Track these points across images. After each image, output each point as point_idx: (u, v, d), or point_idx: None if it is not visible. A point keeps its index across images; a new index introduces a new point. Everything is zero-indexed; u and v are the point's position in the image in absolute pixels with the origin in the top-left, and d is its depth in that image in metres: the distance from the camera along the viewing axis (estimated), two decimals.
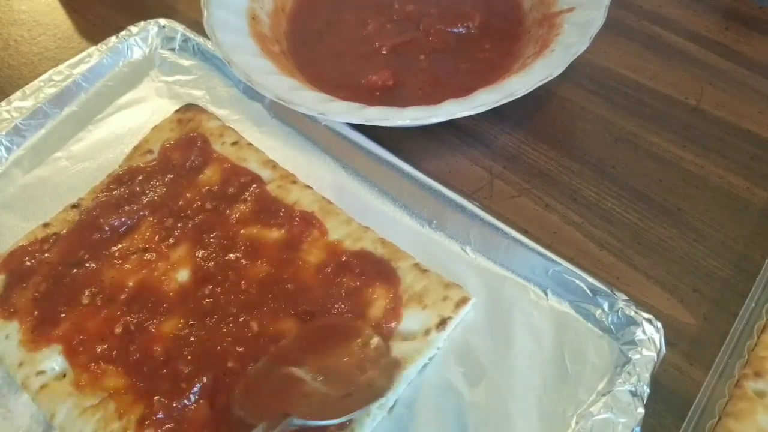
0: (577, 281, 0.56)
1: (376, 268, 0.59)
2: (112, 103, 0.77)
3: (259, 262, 0.60)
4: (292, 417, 0.46)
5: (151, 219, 0.64)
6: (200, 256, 0.61)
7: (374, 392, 0.50)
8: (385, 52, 0.75)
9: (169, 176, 0.67)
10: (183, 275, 0.60)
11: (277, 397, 0.48)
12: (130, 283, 0.59)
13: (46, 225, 0.65)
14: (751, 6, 0.82)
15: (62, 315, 0.58)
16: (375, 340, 0.53)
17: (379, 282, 0.58)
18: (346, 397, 0.49)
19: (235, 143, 0.70)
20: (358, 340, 0.53)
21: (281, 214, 0.63)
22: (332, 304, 0.56)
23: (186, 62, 0.80)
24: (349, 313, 0.56)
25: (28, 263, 0.62)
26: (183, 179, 0.67)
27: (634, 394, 0.50)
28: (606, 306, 0.55)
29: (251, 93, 0.75)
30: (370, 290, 0.57)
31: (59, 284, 0.60)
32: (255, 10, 0.77)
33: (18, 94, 0.76)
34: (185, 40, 0.81)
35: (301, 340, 0.53)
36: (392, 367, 0.52)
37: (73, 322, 0.57)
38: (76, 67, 0.78)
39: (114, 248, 0.62)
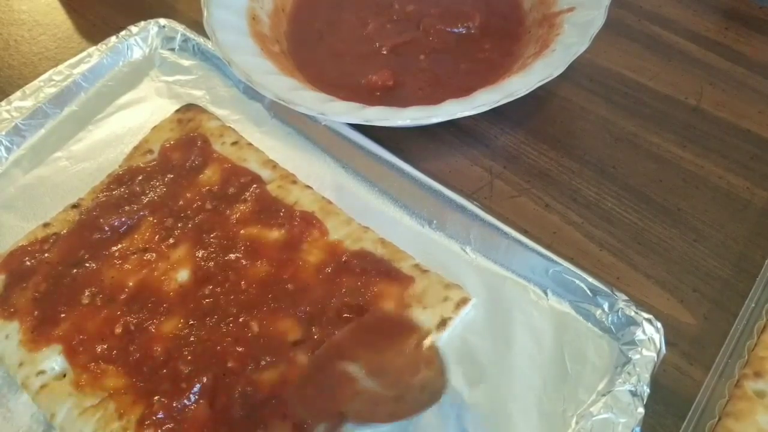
0: (577, 281, 0.56)
1: (380, 268, 0.58)
2: (112, 103, 0.77)
3: (259, 262, 0.60)
4: (347, 418, 0.45)
5: (151, 219, 0.64)
6: (200, 256, 0.61)
7: (427, 397, 0.49)
8: (385, 52, 0.75)
9: (169, 176, 0.67)
10: (183, 275, 0.60)
11: (329, 394, 0.48)
12: (130, 283, 0.59)
13: (46, 225, 0.65)
14: (751, 6, 0.82)
15: (62, 315, 0.58)
16: (429, 340, 0.52)
17: (390, 281, 0.57)
18: (398, 400, 0.48)
19: (235, 143, 0.70)
20: (413, 339, 0.52)
21: (281, 214, 0.63)
22: (337, 305, 0.56)
23: (186, 62, 0.80)
24: (356, 313, 0.56)
25: (28, 263, 0.62)
26: (183, 179, 0.67)
27: (634, 394, 0.50)
28: (606, 306, 0.55)
29: (251, 93, 0.75)
30: (377, 289, 0.57)
31: (59, 284, 0.60)
32: (255, 10, 0.77)
33: (18, 94, 0.76)
34: (185, 40, 0.81)
35: (355, 332, 0.52)
36: (444, 370, 0.50)
37: (73, 322, 0.57)
38: (76, 67, 0.78)
39: (114, 248, 0.62)
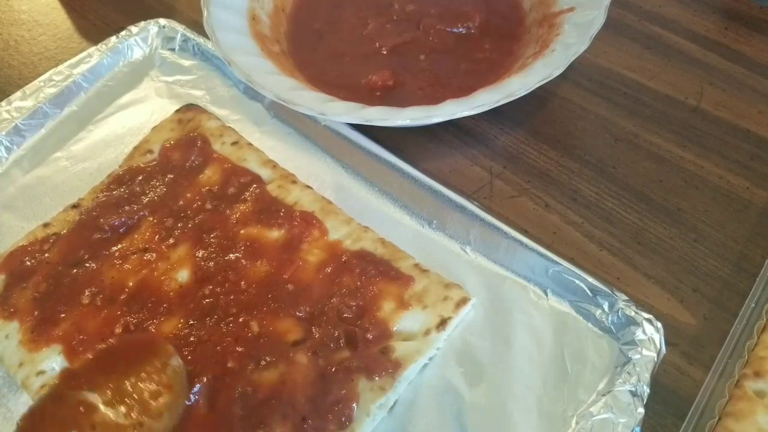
0: (577, 281, 0.56)
1: (380, 268, 0.58)
2: (112, 103, 0.77)
3: (259, 262, 0.60)
4: None
5: (151, 219, 0.64)
6: (200, 256, 0.61)
7: (166, 422, 0.48)
8: (385, 52, 0.75)
9: (169, 176, 0.67)
10: (183, 275, 0.60)
11: (62, 428, 0.46)
12: (130, 283, 0.59)
13: (46, 225, 0.65)
14: (751, 6, 0.82)
15: (62, 315, 0.58)
16: (175, 361, 0.51)
17: (390, 281, 0.57)
18: (135, 428, 0.47)
19: (235, 143, 0.70)
20: (156, 362, 0.50)
21: (281, 214, 0.63)
22: (338, 305, 0.56)
23: (186, 62, 0.80)
24: (356, 313, 0.56)
25: (28, 263, 0.62)
26: (183, 179, 0.67)
27: (634, 394, 0.50)
28: (606, 306, 0.55)
29: (251, 93, 0.75)
30: (377, 289, 0.57)
31: (59, 284, 0.60)
32: (255, 10, 0.77)
33: (18, 94, 0.76)
34: (185, 40, 0.81)
35: (97, 358, 0.51)
36: (182, 394, 0.49)
37: (73, 322, 0.57)
38: (76, 67, 0.78)
39: (114, 248, 0.62)
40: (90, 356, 0.51)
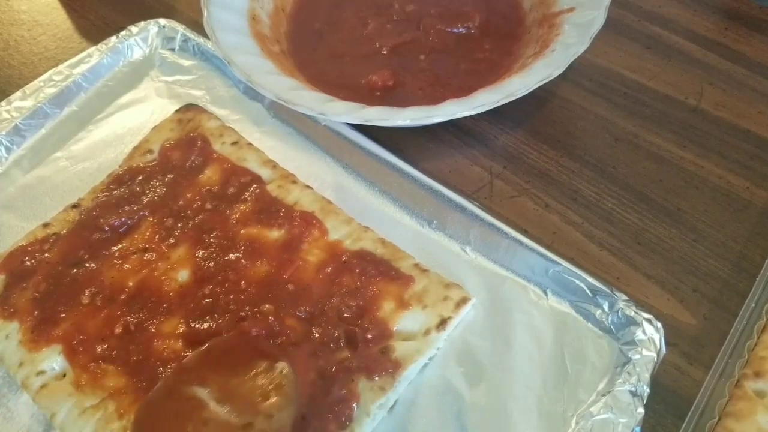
0: (577, 281, 0.56)
1: (380, 268, 0.58)
2: (112, 103, 0.77)
3: (259, 262, 0.60)
4: None
5: (151, 219, 0.64)
6: (200, 256, 0.61)
7: (276, 426, 0.47)
8: (385, 52, 0.75)
9: (169, 176, 0.67)
10: (183, 275, 0.60)
11: (176, 423, 0.47)
12: (130, 283, 0.59)
13: (46, 225, 0.65)
14: (751, 6, 0.82)
15: (62, 315, 0.58)
16: (282, 366, 0.50)
17: (390, 281, 0.57)
18: (245, 429, 0.47)
19: (235, 143, 0.70)
20: (264, 364, 0.50)
21: (281, 214, 0.63)
22: (338, 304, 0.56)
23: (186, 62, 0.80)
24: (356, 313, 0.56)
25: (28, 263, 0.62)
26: (183, 179, 0.67)
27: (634, 394, 0.50)
28: (606, 306, 0.55)
29: (251, 93, 0.75)
30: (377, 289, 0.57)
31: (59, 284, 0.60)
32: (255, 10, 0.77)
33: (18, 94, 0.76)
34: (185, 40, 0.81)
35: (206, 356, 0.51)
36: (293, 398, 0.49)
37: (73, 322, 0.57)
38: (76, 67, 0.78)
39: (114, 248, 0.62)
40: (201, 349, 0.51)
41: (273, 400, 0.48)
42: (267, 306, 0.56)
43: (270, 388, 0.49)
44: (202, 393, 0.48)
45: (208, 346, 0.52)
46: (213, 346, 0.52)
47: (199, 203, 0.65)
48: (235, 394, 0.48)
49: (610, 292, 0.55)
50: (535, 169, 0.69)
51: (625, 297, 0.55)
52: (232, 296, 0.58)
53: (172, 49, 0.82)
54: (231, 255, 0.60)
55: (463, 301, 0.57)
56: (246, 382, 0.49)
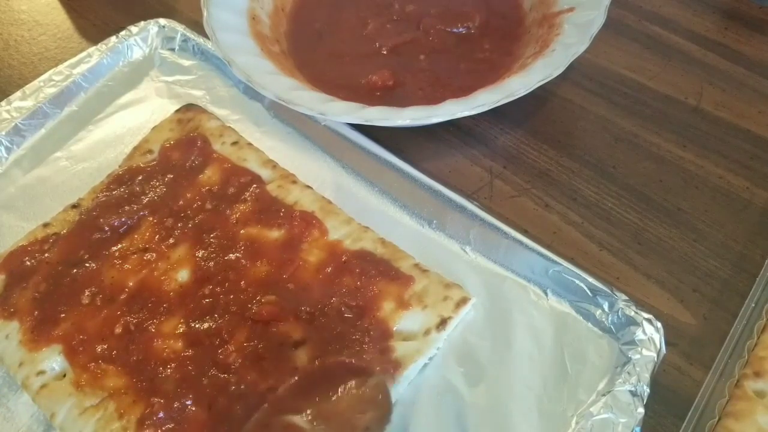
0: (577, 281, 0.56)
1: (380, 268, 0.58)
2: (112, 103, 0.77)
3: (259, 262, 0.60)
4: None
5: (151, 219, 0.64)
6: (200, 256, 0.61)
7: None
8: (385, 52, 0.75)
9: (169, 176, 0.67)
10: (183, 275, 0.60)
11: None
12: (130, 283, 0.59)
13: (46, 225, 0.65)
14: (751, 6, 0.82)
15: (62, 315, 0.58)
16: (374, 379, 0.51)
17: (390, 281, 0.57)
18: None
19: (235, 143, 0.70)
20: (355, 381, 0.51)
21: (281, 214, 0.63)
22: (338, 304, 0.56)
23: (186, 62, 0.80)
24: (356, 313, 0.56)
25: (28, 263, 0.62)
26: (183, 179, 0.67)
27: (634, 394, 0.50)
28: (606, 306, 0.55)
29: (251, 93, 0.75)
30: (377, 289, 0.57)
31: (59, 284, 0.60)
32: (255, 10, 0.77)
33: (18, 94, 0.76)
34: (185, 40, 0.81)
35: (298, 385, 0.51)
36: (389, 409, 0.50)
37: (73, 322, 0.57)
38: (76, 67, 0.78)
39: (114, 248, 0.62)
40: (291, 382, 0.52)
41: (369, 414, 0.49)
42: (270, 297, 0.56)
43: (365, 403, 0.49)
44: (299, 420, 0.48)
45: (297, 377, 0.52)
46: (302, 376, 0.52)
47: (199, 203, 0.65)
48: (332, 416, 0.48)
49: (610, 292, 0.55)
50: (535, 169, 0.69)
51: (625, 297, 0.55)
52: (232, 296, 0.58)
53: (172, 49, 0.81)
54: (231, 255, 0.60)
55: (463, 301, 0.57)
56: (341, 402, 0.49)
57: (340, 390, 0.50)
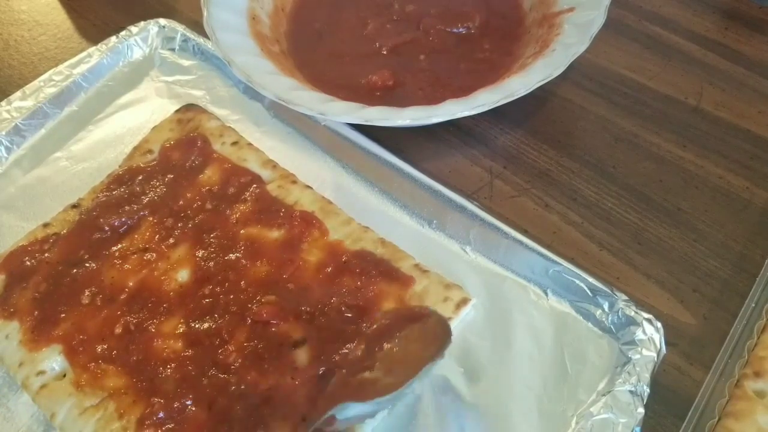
0: (577, 281, 0.56)
1: (380, 268, 0.58)
2: (112, 103, 0.77)
3: (259, 262, 0.60)
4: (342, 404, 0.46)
5: (151, 219, 0.64)
6: (200, 256, 0.61)
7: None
8: (385, 52, 0.75)
9: (169, 176, 0.67)
10: (183, 275, 0.60)
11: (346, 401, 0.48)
12: (130, 283, 0.59)
13: (46, 225, 0.65)
14: (751, 6, 0.82)
15: (62, 315, 0.58)
16: (433, 318, 0.52)
17: (390, 281, 0.57)
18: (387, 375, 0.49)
19: (235, 143, 0.70)
20: (417, 326, 0.52)
21: (281, 214, 0.63)
22: (338, 304, 0.56)
23: (186, 62, 0.80)
24: (356, 313, 0.56)
25: (28, 263, 0.62)
26: (183, 179, 0.67)
27: (634, 394, 0.50)
28: (606, 306, 0.55)
29: (251, 93, 0.75)
30: (377, 289, 0.57)
31: (59, 284, 0.60)
32: (255, 10, 0.77)
33: (18, 94, 0.76)
34: (185, 40, 0.81)
35: (368, 348, 0.52)
36: (449, 336, 0.50)
37: (73, 322, 0.57)
38: (76, 67, 0.78)
39: (114, 248, 0.62)
40: (362, 346, 0.53)
41: (434, 346, 0.50)
42: (270, 297, 0.56)
43: (429, 340, 0.50)
44: (373, 374, 0.49)
45: (364, 342, 0.53)
46: (370, 338, 0.53)
47: (199, 203, 0.65)
48: (402, 360, 0.50)
49: (610, 292, 0.55)
50: (535, 169, 0.69)
51: (625, 297, 0.55)
52: (232, 296, 0.58)
53: (172, 49, 0.81)
54: (231, 255, 0.60)
55: (464, 302, 0.57)
56: (408, 347, 0.50)
57: (405, 338, 0.51)
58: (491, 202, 0.66)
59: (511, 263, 0.60)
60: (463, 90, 0.67)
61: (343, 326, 0.55)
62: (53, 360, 0.56)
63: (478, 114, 0.62)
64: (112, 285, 0.59)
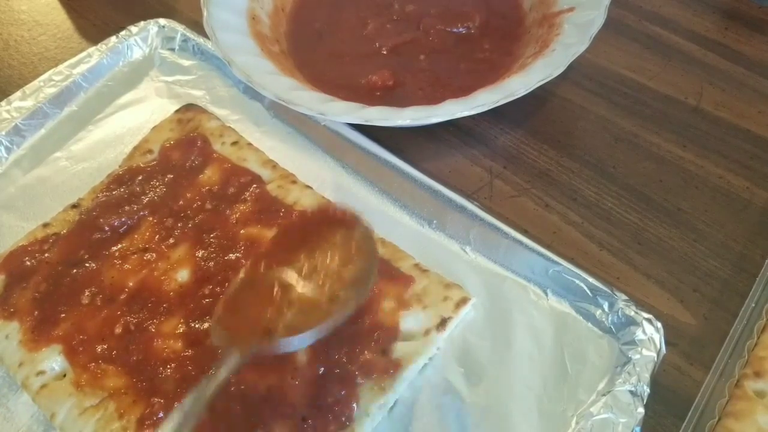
0: (577, 281, 0.56)
1: (380, 268, 0.58)
2: (112, 103, 0.77)
3: None
4: (275, 335, 0.42)
5: (151, 219, 0.64)
6: (200, 256, 0.61)
7: (356, 294, 0.45)
8: (385, 52, 0.75)
9: (169, 176, 0.67)
10: (183, 275, 0.60)
11: (260, 310, 0.44)
12: (130, 283, 0.59)
13: (46, 225, 0.65)
14: (751, 6, 0.82)
15: (62, 315, 0.58)
16: (359, 228, 0.48)
17: (390, 281, 0.57)
18: (331, 301, 0.45)
19: (235, 143, 0.70)
20: (341, 231, 0.48)
21: (281, 214, 0.63)
22: None
23: (186, 62, 0.80)
24: (356, 313, 0.55)
25: (28, 263, 0.62)
26: (183, 179, 0.67)
27: (634, 394, 0.50)
28: (606, 306, 0.55)
29: (251, 93, 0.75)
30: (377, 289, 0.57)
31: (59, 284, 0.60)
32: (255, 10, 0.77)
33: (18, 94, 0.76)
34: (185, 40, 0.81)
35: (281, 239, 0.49)
36: (374, 261, 0.47)
37: (73, 322, 0.57)
38: (76, 67, 0.78)
39: (114, 248, 0.62)
40: (274, 234, 0.49)
41: (356, 264, 0.46)
42: None
43: (351, 254, 0.47)
44: (284, 275, 0.45)
45: (279, 229, 0.49)
46: (284, 229, 0.50)
47: (199, 203, 0.65)
48: (318, 269, 0.46)
49: (610, 292, 0.55)
50: (535, 169, 0.69)
51: (625, 297, 0.55)
52: None
53: (172, 49, 0.82)
54: (231, 255, 0.60)
55: (463, 301, 0.57)
56: (326, 254, 0.46)
57: (325, 242, 0.47)
58: (491, 202, 0.66)
59: (511, 263, 0.60)
60: (463, 90, 0.67)
61: (342, 326, 0.55)
62: (53, 360, 0.56)
63: (478, 114, 0.62)
64: (112, 285, 0.59)
